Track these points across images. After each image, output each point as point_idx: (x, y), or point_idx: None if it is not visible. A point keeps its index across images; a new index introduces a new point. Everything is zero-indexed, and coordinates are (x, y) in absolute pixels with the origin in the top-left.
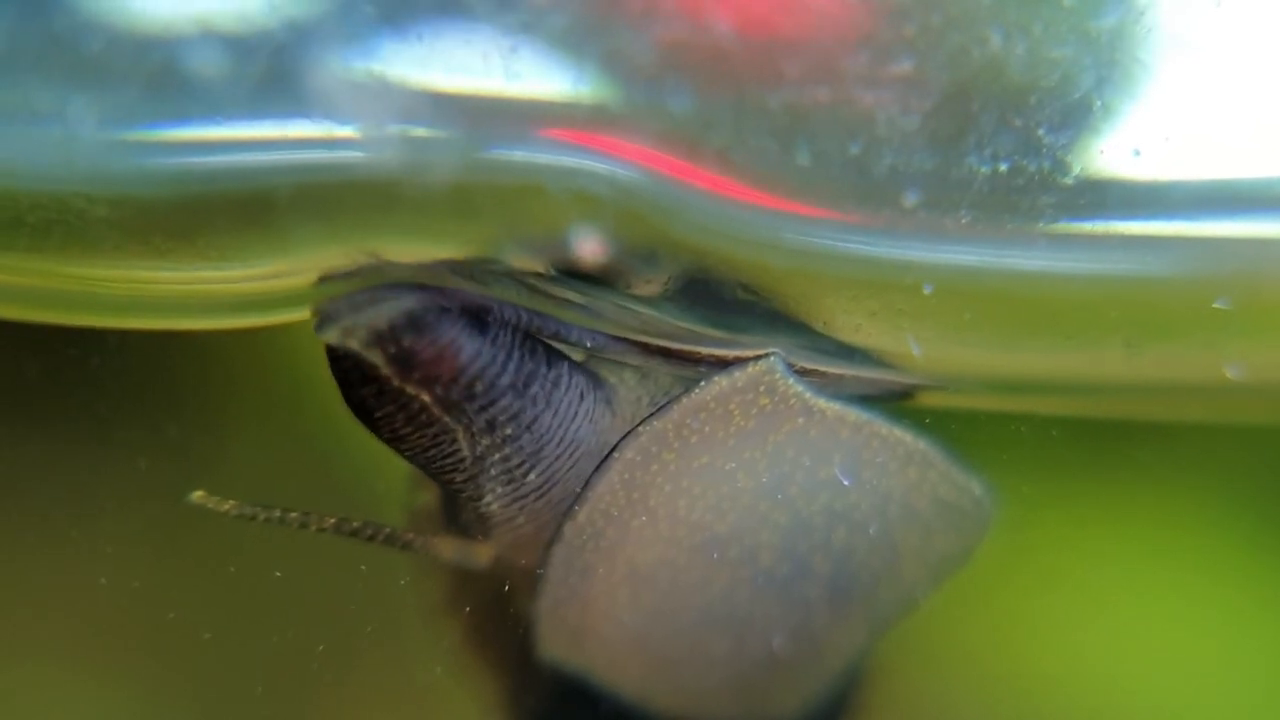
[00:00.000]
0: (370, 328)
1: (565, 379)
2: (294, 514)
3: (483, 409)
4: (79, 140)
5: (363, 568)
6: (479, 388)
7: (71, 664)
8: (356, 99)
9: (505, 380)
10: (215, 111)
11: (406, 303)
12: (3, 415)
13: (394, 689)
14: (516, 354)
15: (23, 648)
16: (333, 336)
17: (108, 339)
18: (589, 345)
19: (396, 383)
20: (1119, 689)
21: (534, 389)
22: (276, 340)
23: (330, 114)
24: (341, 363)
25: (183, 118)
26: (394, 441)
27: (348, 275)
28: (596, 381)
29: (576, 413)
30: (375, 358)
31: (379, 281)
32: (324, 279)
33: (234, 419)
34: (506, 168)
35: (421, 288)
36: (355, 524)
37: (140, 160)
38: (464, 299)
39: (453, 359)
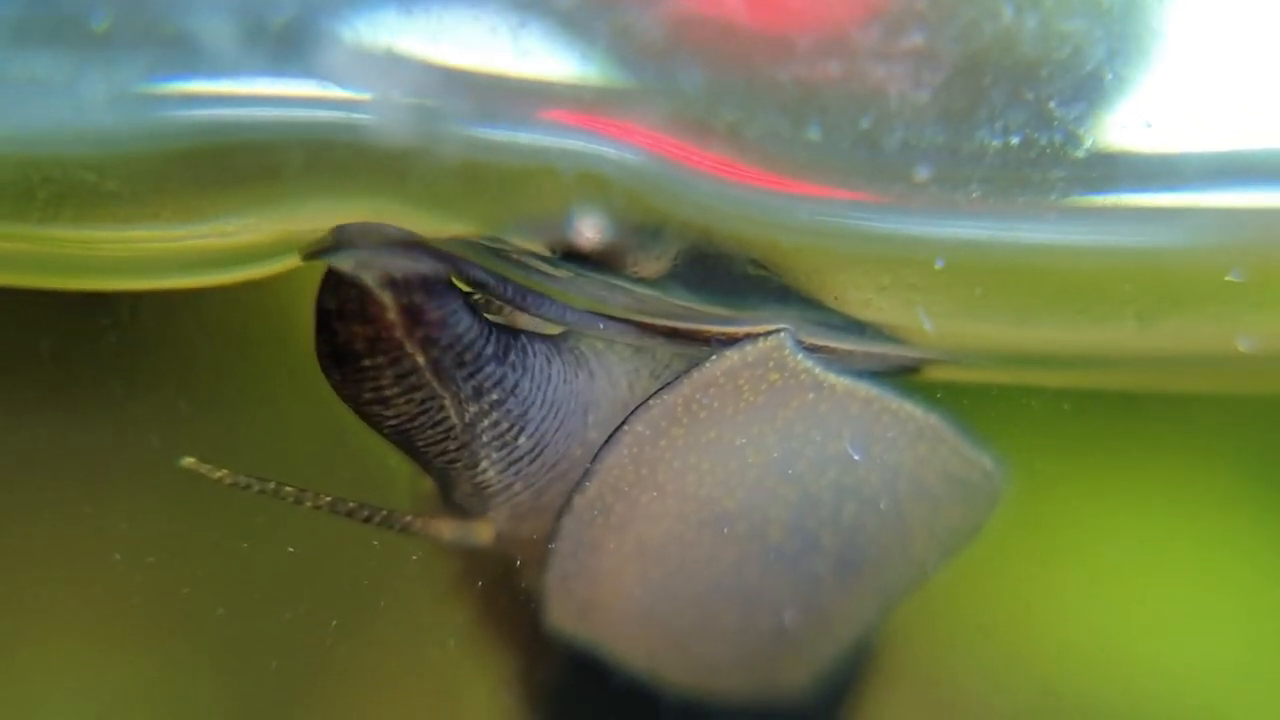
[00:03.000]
0: (386, 269)
1: (529, 346)
2: (289, 488)
3: (469, 376)
4: (90, 106)
5: (375, 544)
6: (468, 357)
7: (86, 640)
8: (365, 71)
9: (490, 350)
10: (225, 79)
11: (424, 266)
12: (16, 393)
13: (407, 664)
14: (488, 325)
15: (38, 624)
16: (346, 263)
17: (120, 316)
18: (600, 328)
19: (399, 334)
20: (1129, 662)
21: (511, 356)
22: (289, 317)
23: (339, 79)
24: (343, 291)
25: (193, 84)
26: (378, 404)
27: (361, 232)
28: (557, 346)
29: (550, 375)
30: (385, 299)
31: (394, 240)
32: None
33: (246, 396)
34: (514, 147)
35: (437, 255)
36: (351, 504)
37: (151, 126)
38: (470, 273)
39: (452, 327)
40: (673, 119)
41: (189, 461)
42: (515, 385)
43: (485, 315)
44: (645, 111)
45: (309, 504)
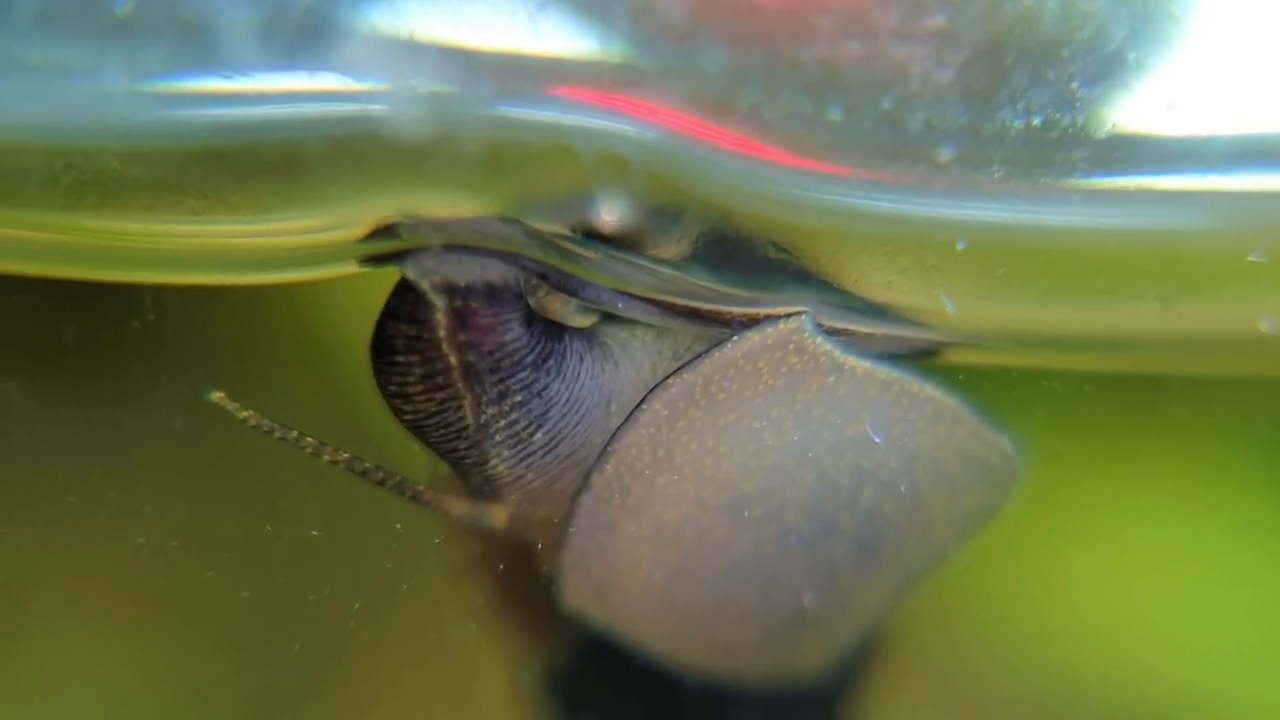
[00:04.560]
0: (448, 276)
1: (569, 347)
2: (310, 439)
3: (499, 381)
4: (111, 97)
5: (398, 526)
6: (506, 364)
7: (110, 623)
8: (384, 56)
9: (530, 359)
10: (244, 67)
11: (491, 273)
12: (41, 377)
13: (428, 646)
14: (541, 333)
15: (62, 607)
16: (411, 271)
17: (143, 301)
18: (620, 306)
19: (440, 334)
20: (1146, 644)
21: (549, 362)
22: (313, 301)
23: (359, 70)
24: (403, 293)
25: (213, 73)
26: (398, 398)
27: (390, 231)
28: (588, 340)
29: (579, 374)
30: (438, 303)
31: (424, 241)
32: (367, 237)
33: (269, 379)
34: (534, 127)
35: (504, 258)
36: (367, 465)
37: (171, 115)
38: (527, 267)
39: (500, 334)
40: (693, 99)
41: (217, 396)
42: (544, 388)
43: (540, 321)
44: (666, 91)
45: (326, 458)
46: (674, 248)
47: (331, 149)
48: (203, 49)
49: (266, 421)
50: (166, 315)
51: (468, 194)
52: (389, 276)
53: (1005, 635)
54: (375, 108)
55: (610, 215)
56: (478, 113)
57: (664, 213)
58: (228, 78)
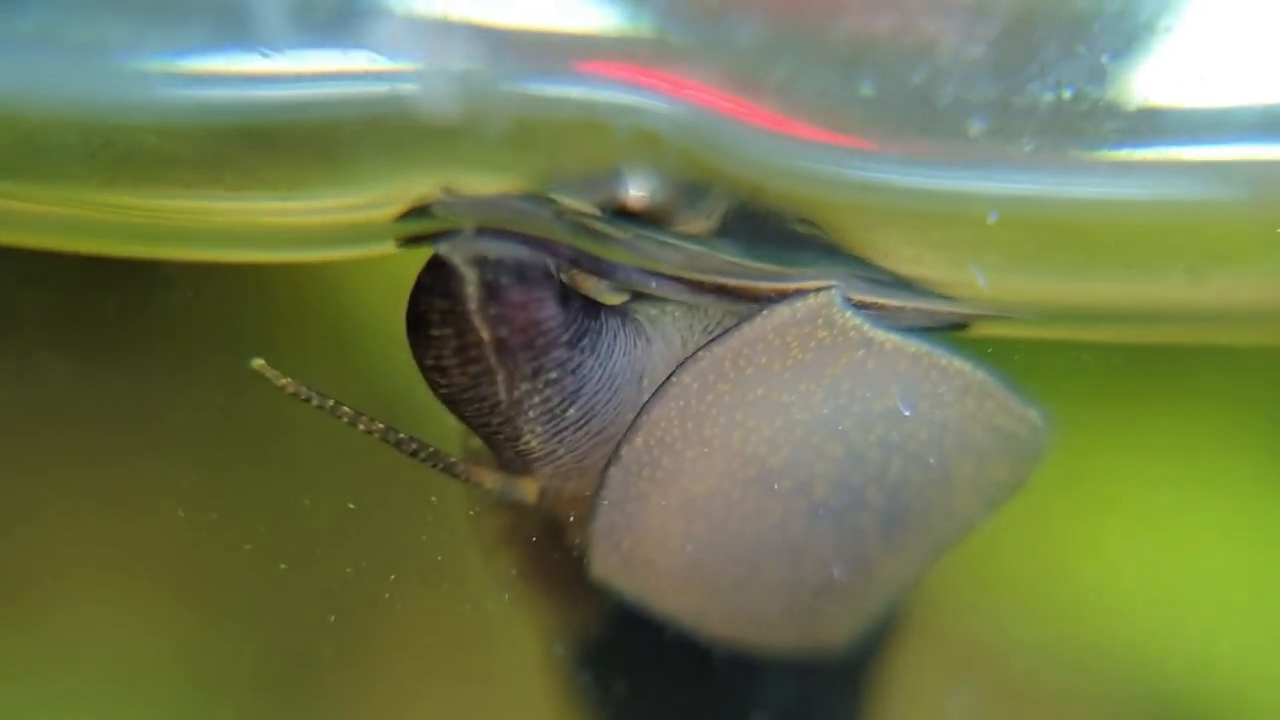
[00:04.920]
0: (479, 250)
1: (604, 324)
2: (346, 408)
3: (533, 359)
4: (149, 75)
5: (433, 500)
6: (540, 342)
7: (147, 594)
8: (416, 34)
9: (565, 337)
10: (279, 46)
11: (521, 252)
12: (83, 352)
13: (463, 617)
14: (577, 311)
15: (102, 580)
16: (444, 247)
17: (183, 277)
18: (652, 285)
19: (472, 308)
20: (1174, 614)
21: (584, 341)
22: (347, 279)
23: (390, 49)
24: (436, 269)
25: (248, 52)
26: (435, 371)
27: (425, 212)
28: (624, 315)
29: (613, 350)
30: (469, 275)
31: (458, 223)
32: (404, 216)
33: (303, 355)
34: (564, 104)
35: (536, 243)
36: (401, 435)
37: (208, 95)
38: (559, 252)
39: (533, 312)
40: (724, 74)
41: (258, 363)
42: (578, 366)
43: (577, 298)
44: (697, 67)
45: (361, 427)
46: (702, 224)
47: (365, 127)
48: (238, 28)
49: (305, 389)
50: (205, 291)
51: (498, 171)
52: (423, 255)
53: (1032, 606)
54: (407, 86)
55: (639, 191)
56: (508, 89)
57: (693, 189)
58: (264, 55)
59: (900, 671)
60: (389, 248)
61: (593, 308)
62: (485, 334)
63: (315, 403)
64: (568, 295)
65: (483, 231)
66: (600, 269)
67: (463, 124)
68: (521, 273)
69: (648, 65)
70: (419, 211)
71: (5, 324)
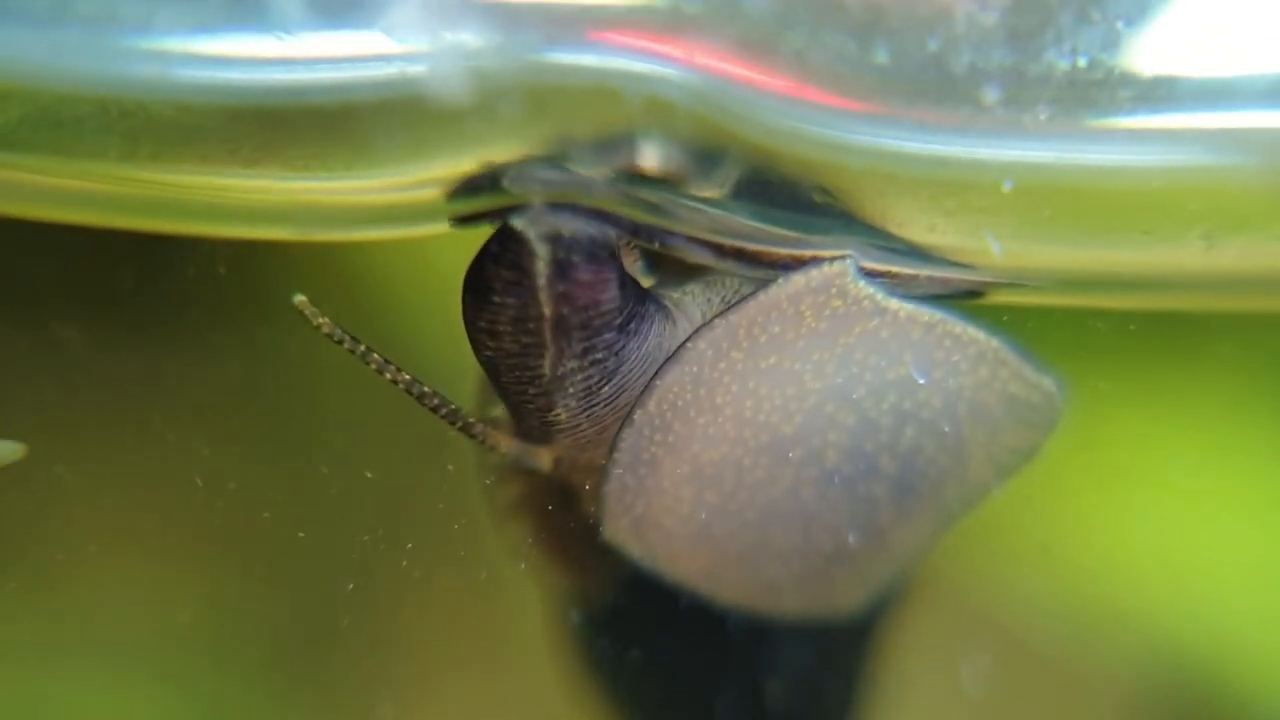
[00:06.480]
0: (555, 226)
1: (648, 308)
2: (377, 355)
3: (586, 339)
4: (164, 51)
5: (450, 468)
6: (596, 323)
7: (168, 561)
8: (429, 9)
9: (618, 321)
10: (293, 25)
11: (592, 229)
12: (101, 323)
13: (479, 584)
14: (630, 296)
15: (121, 549)
16: (518, 221)
17: (200, 248)
18: (709, 257)
19: (541, 283)
20: (1187, 581)
21: (631, 324)
22: (370, 255)
23: (403, 26)
24: (504, 241)
25: (262, 31)
26: (485, 334)
27: (474, 190)
28: (659, 302)
29: (648, 334)
30: (540, 251)
31: (523, 199)
32: (451, 195)
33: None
34: (578, 71)
35: (605, 219)
36: (425, 388)
37: (224, 73)
38: (621, 225)
39: (598, 293)
40: (739, 42)
41: (299, 300)
42: (622, 348)
43: (631, 283)
44: (711, 34)
45: (389, 376)
46: (715, 189)
47: (378, 104)
48: (252, 8)
49: (339, 330)
50: (222, 263)
51: (514, 140)
52: (446, 236)
53: (1045, 572)
54: (419, 65)
55: (653, 158)
56: (523, 59)
57: (707, 155)
58: (278, 37)
59: (912, 637)
60: (442, 227)
61: (640, 292)
62: (548, 310)
63: (348, 345)
64: (625, 279)
65: (552, 206)
66: (658, 238)
67: (476, 97)
68: (592, 252)
69: (661, 33)
70: (478, 188)
71: (25, 296)
